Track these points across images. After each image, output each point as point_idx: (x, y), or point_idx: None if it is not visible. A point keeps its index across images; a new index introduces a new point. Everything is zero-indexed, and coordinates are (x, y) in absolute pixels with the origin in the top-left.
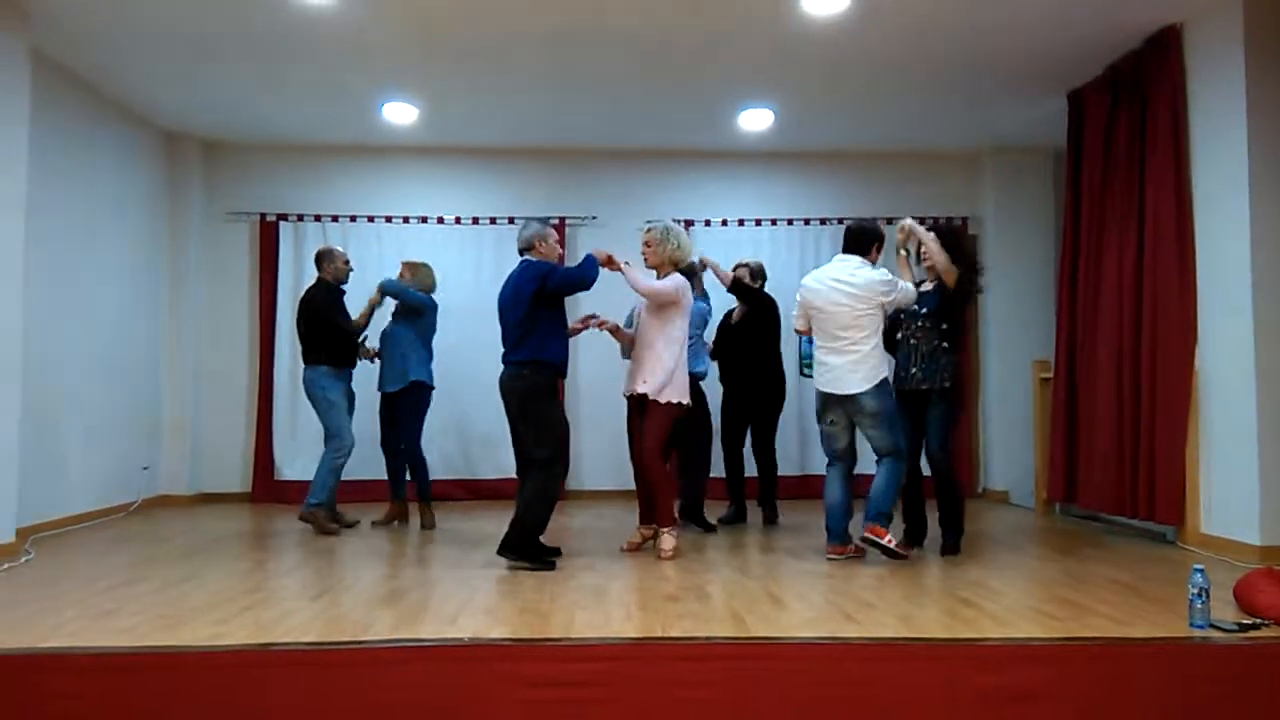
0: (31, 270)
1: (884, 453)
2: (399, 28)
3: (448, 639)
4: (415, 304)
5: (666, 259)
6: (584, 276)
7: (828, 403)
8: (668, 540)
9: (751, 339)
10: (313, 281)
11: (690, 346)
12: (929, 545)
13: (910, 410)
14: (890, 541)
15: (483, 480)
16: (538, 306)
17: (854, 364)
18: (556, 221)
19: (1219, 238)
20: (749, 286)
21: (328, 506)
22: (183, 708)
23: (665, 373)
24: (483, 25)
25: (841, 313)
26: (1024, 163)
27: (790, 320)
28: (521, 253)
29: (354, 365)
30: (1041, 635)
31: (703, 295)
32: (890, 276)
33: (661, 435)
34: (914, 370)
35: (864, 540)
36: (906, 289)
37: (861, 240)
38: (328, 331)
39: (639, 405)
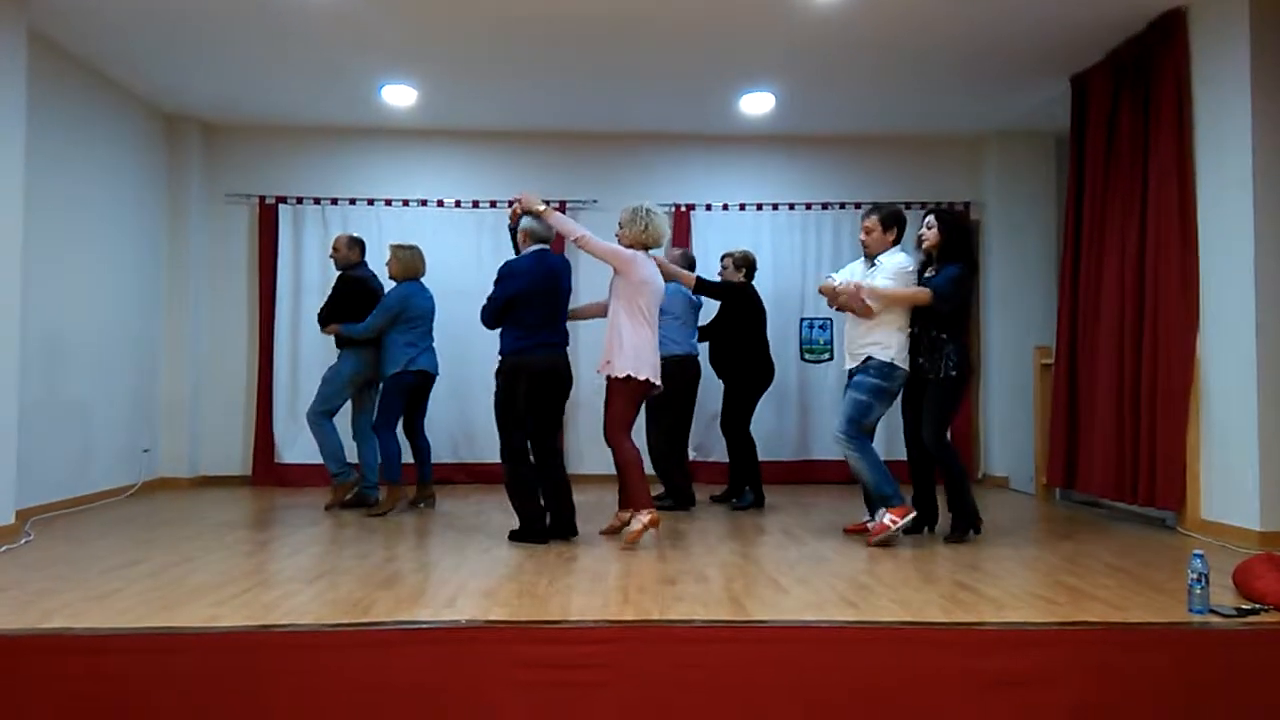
0: (30, 252)
1: (838, 428)
2: (398, 9)
3: (445, 621)
4: (366, 335)
5: (635, 241)
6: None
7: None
8: (635, 522)
9: (730, 327)
10: (363, 269)
11: (661, 328)
12: (936, 531)
13: (915, 397)
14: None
15: (484, 464)
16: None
17: (848, 341)
18: (558, 205)
19: (1222, 224)
20: (713, 284)
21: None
22: (181, 689)
23: (619, 349)
24: (482, 7)
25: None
26: (1027, 147)
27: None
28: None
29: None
30: (1040, 620)
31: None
32: (904, 264)
33: (620, 414)
34: (920, 359)
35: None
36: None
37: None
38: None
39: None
